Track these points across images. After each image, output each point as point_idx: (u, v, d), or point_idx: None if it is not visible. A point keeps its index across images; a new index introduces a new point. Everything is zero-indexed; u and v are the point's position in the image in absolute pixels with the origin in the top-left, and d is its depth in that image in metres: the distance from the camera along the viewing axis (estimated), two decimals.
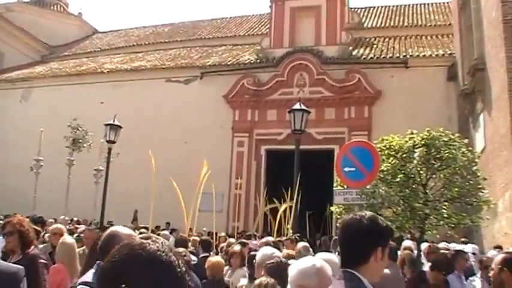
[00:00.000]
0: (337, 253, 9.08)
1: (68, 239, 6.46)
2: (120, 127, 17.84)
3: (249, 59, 25.48)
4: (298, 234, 11.86)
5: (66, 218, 15.35)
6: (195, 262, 8.30)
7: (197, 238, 11.71)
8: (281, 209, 14.08)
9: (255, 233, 17.79)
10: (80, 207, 17.90)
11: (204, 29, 34.63)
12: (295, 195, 13.26)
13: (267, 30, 27.16)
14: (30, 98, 27.92)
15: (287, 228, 13.39)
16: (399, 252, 8.11)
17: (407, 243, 10.48)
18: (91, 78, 27.29)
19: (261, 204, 20.08)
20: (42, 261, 4.94)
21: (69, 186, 17.27)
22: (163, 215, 15.34)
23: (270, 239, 10.22)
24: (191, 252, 9.65)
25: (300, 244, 8.74)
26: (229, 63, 25.35)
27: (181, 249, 6.48)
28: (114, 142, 17.66)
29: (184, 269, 1.52)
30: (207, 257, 7.77)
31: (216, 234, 13.94)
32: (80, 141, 18.42)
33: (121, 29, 40.78)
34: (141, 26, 39.87)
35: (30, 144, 19.72)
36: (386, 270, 6.21)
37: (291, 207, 13.72)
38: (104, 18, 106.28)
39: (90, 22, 42.51)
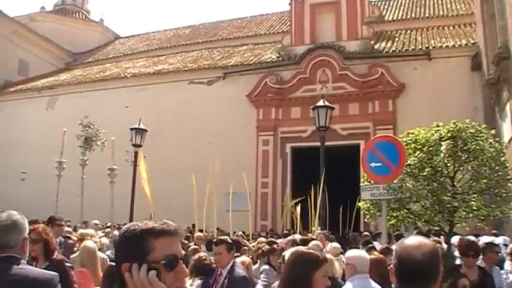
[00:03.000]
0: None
1: (90, 243, 6.48)
2: (146, 130, 17.96)
3: (270, 57, 25.45)
4: (326, 231, 11.86)
5: (97, 223, 15.40)
6: None
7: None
8: (291, 203, 14.06)
9: (287, 230, 17.72)
10: (96, 210, 17.80)
11: (225, 29, 34.72)
12: (321, 191, 13.24)
13: (288, 27, 27.14)
14: (56, 105, 28.28)
15: (316, 227, 13.36)
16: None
17: (435, 237, 10.41)
18: (115, 83, 27.55)
19: (287, 202, 20.12)
20: (69, 265, 4.99)
21: (85, 188, 17.22)
22: (190, 216, 15.35)
23: (298, 236, 10.23)
24: None
25: (333, 244, 8.72)
26: (251, 62, 25.36)
27: (202, 254, 6.60)
28: (140, 146, 17.77)
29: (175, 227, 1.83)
30: (236, 257, 7.79)
31: (235, 233, 13.99)
32: (94, 139, 18.37)
33: (142, 33, 41.05)
34: (162, 29, 40.16)
35: (56, 149, 19.96)
36: None
37: (315, 202, 13.71)
38: (125, 24, 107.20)
39: (111, 28, 43.02)
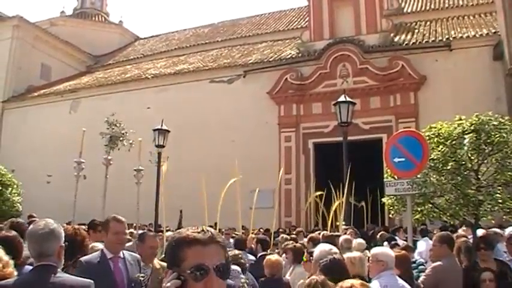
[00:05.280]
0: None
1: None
2: (168, 131, 18.04)
3: (290, 53, 25.47)
4: (349, 227, 11.87)
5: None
6: (252, 262, 8.41)
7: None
8: (334, 206, 14.04)
9: (316, 227, 17.71)
10: (120, 210, 17.77)
11: (244, 27, 34.78)
12: (346, 188, 13.24)
13: (307, 23, 27.10)
14: (79, 108, 28.58)
15: (341, 222, 13.35)
16: None
17: (460, 231, 10.38)
18: (136, 85, 27.78)
19: (310, 198, 20.12)
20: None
21: (110, 189, 17.22)
22: (214, 214, 15.44)
23: (323, 233, 10.22)
24: (250, 251, 9.77)
25: (358, 240, 8.74)
26: (271, 59, 25.37)
27: (237, 252, 6.57)
28: (163, 146, 17.87)
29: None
30: (265, 255, 7.79)
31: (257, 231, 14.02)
32: (121, 139, 18.36)
33: (162, 33, 41.28)
34: (181, 29, 40.33)
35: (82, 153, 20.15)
36: (440, 262, 6.22)
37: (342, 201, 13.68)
38: (144, 25, 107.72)
39: (131, 29, 43.30)
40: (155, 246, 5.80)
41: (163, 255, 5.95)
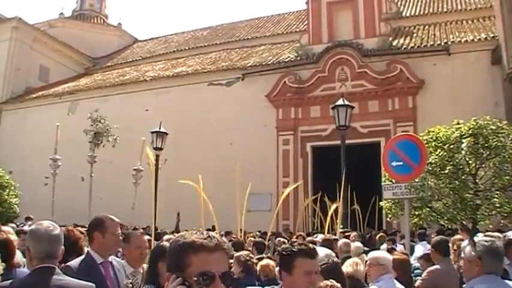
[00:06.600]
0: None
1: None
2: (166, 134, 18.03)
3: (289, 57, 25.42)
4: (347, 230, 11.89)
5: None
6: None
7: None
8: (331, 210, 14.04)
9: (315, 230, 17.71)
10: (115, 211, 17.61)
11: (243, 29, 34.78)
12: (343, 191, 13.25)
13: (305, 26, 27.07)
14: (77, 110, 28.50)
15: (337, 223, 13.35)
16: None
17: (457, 236, 10.37)
18: (134, 87, 27.74)
19: (306, 201, 20.13)
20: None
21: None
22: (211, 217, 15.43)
23: (321, 237, 10.22)
24: None
25: (356, 244, 8.73)
26: (269, 62, 25.35)
27: (245, 253, 6.56)
28: (161, 149, 17.84)
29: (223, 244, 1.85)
30: (262, 258, 7.76)
31: (245, 233, 13.98)
32: (105, 134, 18.24)
33: (160, 36, 41.29)
34: (180, 31, 40.31)
35: (78, 154, 20.14)
36: (437, 266, 6.22)
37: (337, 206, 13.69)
38: (143, 27, 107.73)
39: (130, 32, 43.28)
40: (143, 247, 4.95)
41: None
